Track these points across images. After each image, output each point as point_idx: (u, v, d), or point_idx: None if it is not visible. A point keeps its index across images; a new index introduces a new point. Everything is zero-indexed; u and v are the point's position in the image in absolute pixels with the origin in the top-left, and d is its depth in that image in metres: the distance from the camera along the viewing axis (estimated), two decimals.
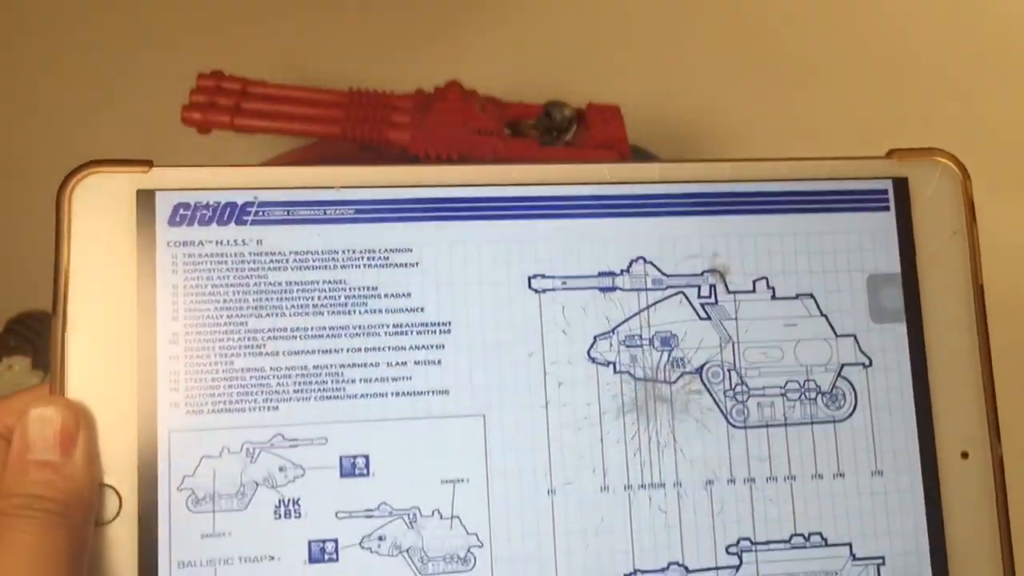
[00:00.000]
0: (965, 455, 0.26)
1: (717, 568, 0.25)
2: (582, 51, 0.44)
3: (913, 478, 0.26)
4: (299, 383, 0.24)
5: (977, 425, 0.26)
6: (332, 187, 0.25)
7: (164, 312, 0.24)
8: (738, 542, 0.25)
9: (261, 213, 0.25)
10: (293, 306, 0.25)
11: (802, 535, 0.26)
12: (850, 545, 0.26)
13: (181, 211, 0.24)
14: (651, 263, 0.26)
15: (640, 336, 0.26)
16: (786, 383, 0.26)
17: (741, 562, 0.25)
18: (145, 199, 0.24)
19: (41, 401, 0.23)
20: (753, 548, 0.25)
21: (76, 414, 0.23)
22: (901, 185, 0.27)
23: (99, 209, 0.24)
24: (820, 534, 0.26)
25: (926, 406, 0.26)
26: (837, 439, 0.26)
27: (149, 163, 0.24)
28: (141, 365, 0.24)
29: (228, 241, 0.25)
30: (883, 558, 0.26)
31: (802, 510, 0.26)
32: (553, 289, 0.26)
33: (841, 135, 0.43)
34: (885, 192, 0.27)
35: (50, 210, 0.24)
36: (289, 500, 0.24)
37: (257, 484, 0.24)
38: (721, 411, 0.26)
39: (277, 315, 0.24)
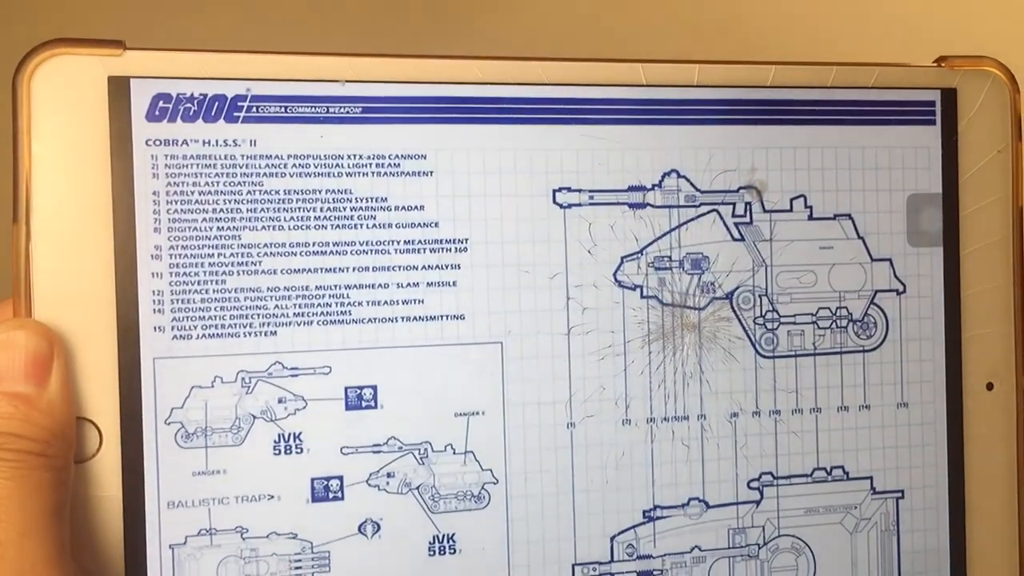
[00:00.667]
0: (990, 386, 0.36)
1: (737, 503, 0.34)
2: None
3: (937, 410, 0.36)
4: (299, 305, 0.31)
5: (1004, 356, 0.36)
6: (337, 80, 0.31)
7: (144, 223, 0.30)
8: (760, 476, 0.34)
9: (255, 109, 0.30)
10: (292, 218, 0.31)
11: (824, 469, 0.35)
12: (871, 479, 0.35)
13: (161, 104, 0.30)
14: (684, 177, 0.33)
15: (670, 258, 0.33)
16: (817, 310, 0.35)
17: (762, 497, 0.34)
18: (118, 88, 0.29)
19: (7, 325, 0.28)
20: (775, 483, 0.34)
21: (48, 338, 0.28)
22: (949, 97, 0.36)
23: (64, 99, 0.29)
24: (842, 467, 0.35)
25: (955, 335, 0.36)
26: (865, 369, 0.35)
27: (122, 44, 0.30)
28: (119, 283, 0.29)
29: (217, 141, 0.30)
30: (902, 492, 0.35)
31: (825, 444, 0.35)
32: (579, 204, 0.33)
33: (887, 42, 0.51)
34: (932, 104, 0.35)
35: (5, 99, 0.28)
36: (289, 435, 0.31)
37: (254, 417, 0.30)
38: (750, 340, 0.34)
39: (274, 228, 0.30)
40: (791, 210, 0.35)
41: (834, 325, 0.35)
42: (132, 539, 0.30)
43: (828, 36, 0.52)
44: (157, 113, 0.30)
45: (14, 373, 0.28)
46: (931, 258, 0.36)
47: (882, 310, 0.36)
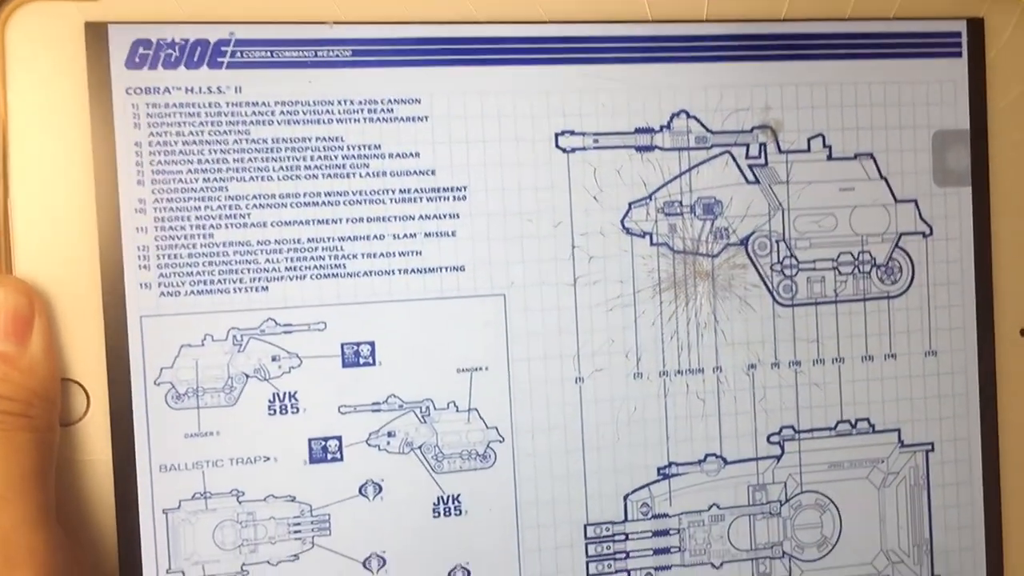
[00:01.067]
0: (1023, 332, 0.34)
1: (757, 459, 0.33)
2: None
3: (968, 358, 0.34)
4: (291, 259, 0.30)
5: None
6: (325, 22, 0.29)
7: (127, 175, 0.29)
8: (780, 431, 0.33)
9: (239, 54, 0.29)
10: (282, 168, 0.29)
11: (848, 422, 0.33)
12: (899, 431, 0.34)
13: (141, 50, 0.28)
14: (694, 118, 0.32)
15: (680, 203, 0.32)
16: (839, 255, 0.33)
17: (783, 452, 0.33)
18: (95, 34, 0.28)
19: None
20: (796, 437, 0.33)
21: (29, 295, 0.27)
22: (976, 27, 0.34)
23: (40, 47, 0.28)
24: (868, 420, 0.33)
25: (986, 279, 0.34)
26: (891, 316, 0.33)
27: None
28: (103, 239, 0.28)
29: (200, 88, 0.29)
30: (932, 444, 0.34)
31: (849, 395, 0.33)
32: (584, 148, 0.31)
33: None
34: (958, 35, 0.34)
35: None
36: (285, 394, 0.30)
37: (247, 376, 0.29)
38: (767, 287, 0.32)
39: (263, 179, 0.29)
40: (809, 150, 0.33)
41: (856, 271, 0.34)
42: (124, 504, 0.29)
43: None
44: (137, 60, 0.29)
45: None
46: (959, 198, 0.34)
47: (907, 254, 0.34)
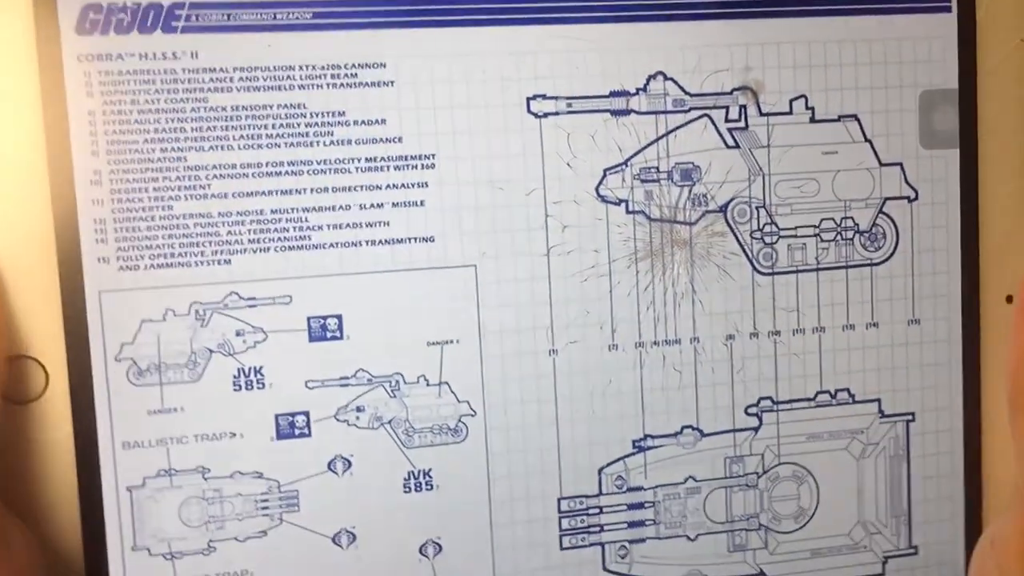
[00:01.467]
0: (1010, 299, 0.33)
1: (735, 431, 0.32)
2: None
3: (952, 326, 0.33)
4: (254, 231, 0.29)
5: None
6: None
7: (80, 146, 0.28)
8: (758, 402, 0.32)
9: (194, 17, 0.28)
10: (242, 136, 0.29)
11: (828, 392, 0.33)
12: (879, 401, 0.33)
13: (91, 15, 0.27)
14: (672, 80, 0.31)
15: (657, 169, 0.31)
16: (820, 222, 0.32)
17: (761, 423, 0.32)
18: None
19: None
20: (775, 408, 0.32)
21: None
22: None
23: None
24: (848, 390, 0.33)
25: (973, 245, 0.33)
26: (874, 284, 0.33)
27: None
28: (57, 212, 0.28)
29: (154, 54, 0.28)
30: (913, 414, 0.33)
31: (830, 365, 0.33)
32: (556, 113, 0.30)
33: None
34: None
35: None
36: (250, 369, 0.29)
37: (211, 351, 0.29)
38: (747, 255, 0.32)
39: (223, 148, 0.29)
40: (791, 112, 0.32)
41: (839, 237, 0.33)
42: (86, 482, 0.28)
43: None
44: (88, 25, 0.28)
45: None
46: (946, 161, 0.33)
47: (892, 219, 0.33)
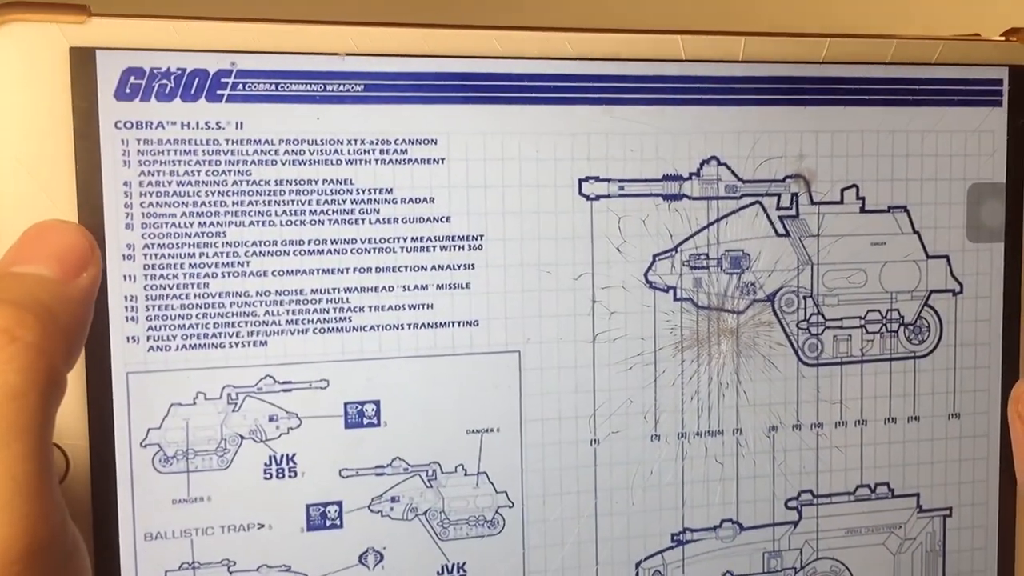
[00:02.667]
0: None
1: (774, 524, 0.31)
2: None
3: (992, 421, 0.33)
4: (293, 311, 0.27)
5: None
6: (336, 54, 0.27)
7: (114, 218, 0.26)
8: (799, 495, 0.32)
9: (241, 86, 0.27)
10: (285, 212, 0.27)
11: (868, 486, 0.32)
12: (917, 496, 0.32)
13: (132, 80, 0.26)
14: (725, 165, 0.30)
15: (707, 255, 0.30)
16: (867, 313, 0.32)
17: (800, 517, 0.32)
18: (82, 61, 0.26)
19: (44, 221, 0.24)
20: (814, 502, 0.32)
21: (89, 239, 0.24)
22: (1019, 74, 0.32)
23: (18, 73, 0.25)
24: (887, 484, 0.32)
25: (1014, 339, 0.33)
26: (916, 378, 0.32)
27: (85, 9, 0.26)
28: None
29: (197, 124, 0.26)
30: (950, 509, 0.33)
31: (870, 459, 0.32)
32: (608, 196, 0.29)
33: (951, 13, 0.47)
34: (999, 82, 0.32)
35: None
36: (282, 457, 0.28)
37: (242, 438, 0.27)
38: (792, 346, 0.31)
39: (264, 224, 0.27)
40: (842, 202, 0.31)
41: (884, 329, 0.32)
42: (105, 575, 0.27)
43: (886, 6, 0.48)
44: (128, 91, 0.26)
45: (39, 256, 0.22)
46: (991, 255, 0.33)
47: (936, 312, 0.32)
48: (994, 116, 0.32)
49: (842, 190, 0.31)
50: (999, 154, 0.32)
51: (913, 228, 0.32)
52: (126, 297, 0.26)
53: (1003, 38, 0.32)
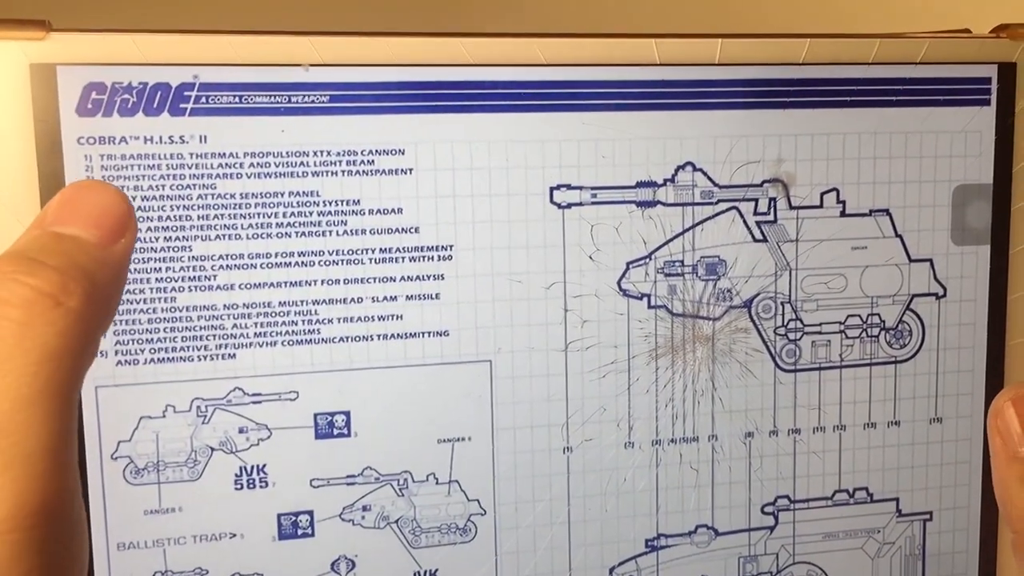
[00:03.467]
0: None
1: (750, 530, 0.31)
2: None
3: (975, 425, 0.32)
4: (261, 324, 0.27)
5: None
6: (300, 65, 0.27)
7: None
8: (775, 500, 0.32)
9: (204, 99, 0.26)
10: (251, 225, 0.27)
11: (846, 491, 0.32)
12: (897, 500, 0.32)
13: (94, 95, 0.26)
14: (701, 170, 0.30)
15: (682, 262, 0.30)
16: (846, 318, 0.31)
17: (777, 522, 0.32)
18: (42, 77, 0.26)
19: (80, 181, 0.23)
20: (791, 507, 0.32)
21: (127, 202, 0.22)
22: (1007, 72, 0.31)
23: None
24: (866, 489, 0.32)
25: (999, 343, 0.32)
26: (897, 382, 0.32)
27: (45, 25, 0.26)
28: None
29: (161, 138, 0.26)
30: (931, 513, 0.33)
31: (849, 464, 0.32)
32: (580, 203, 0.29)
33: (936, 11, 0.46)
34: (987, 81, 0.31)
35: None
36: (252, 467, 0.28)
37: (212, 449, 0.27)
38: (770, 352, 0.31)
39: (230, 237, 0.27)
40: (821, 206, 0.31)
41: (864, 334, 0.32)
42: None
43: (869, 5, 0.47)
44: (90, 106, 0.26)
45: (78, 218, 0.21)
46: (976, 258, 0.32)
47: (918, 316, 0.32)
48: (982, 116, 0.32)
49: (822, 194, 0.31)
50: (986, 155, 0.32)
51: (895, 231, 0.31)
52: None
53: (991, 35, 0.32)
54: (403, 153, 0.28)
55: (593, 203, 0.29)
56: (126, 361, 0.27)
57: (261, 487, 0.28)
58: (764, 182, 0.30)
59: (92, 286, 0.20)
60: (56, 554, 0.19)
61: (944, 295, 0.32)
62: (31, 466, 0.19)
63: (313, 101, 0.27)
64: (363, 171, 0.28)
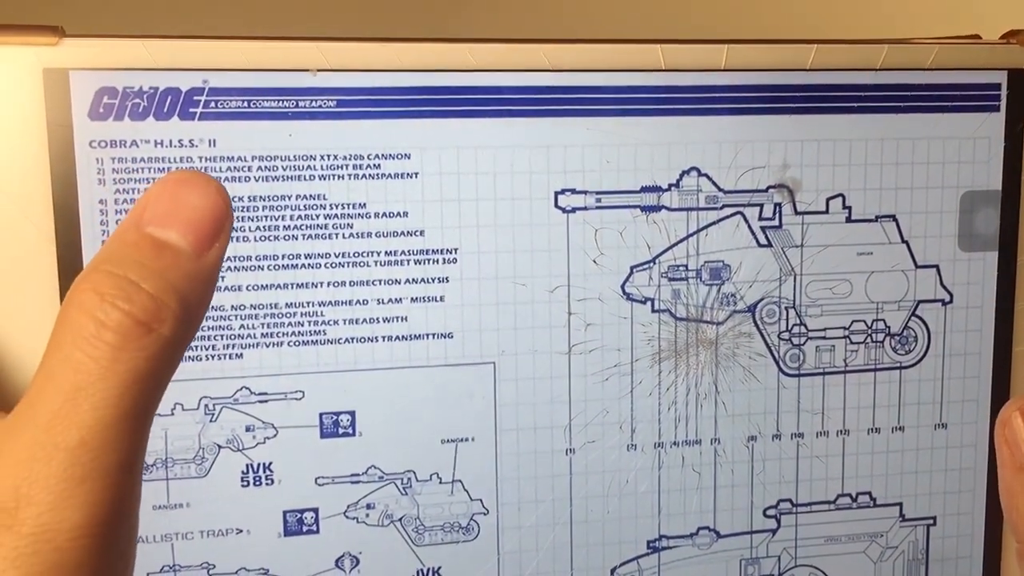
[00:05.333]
0: None
1: (752, 532, 0.32)
2: None
3: (980, 431, 0.33)
4: (268, 325, 0.28)
5: None
6: (308, 70, 0.27)
7: (90, 235, 0.27)
8: (777, 504, 0.32)
9: (213, 104, 0.27)
10: (258, 228, 0.28)
11: (849, 495, 0.32)
12: (900, 505, 0.32)
13: (106, 99, 0.26)
14: (706, 176, 0.30)
15: (686, 267, 0.30)
16: (851, 323, 0.31)
17: (779, 525, 0.32)
18: (55, 82, 0.26)
19: (184, 171, 0.22)
20: (793, 510, 0.32)
21: (228, 204, 0.22)
22: (1017, 78, 0.31)
23: None
24: (869, 493, 0.32)
25: (1005, 349, 0.32)
26: (902, 388, 0.32)
27: (58, 31, 0.26)
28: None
29: (171, 142, 0.27)
30: (934, 519, 0.33)
31: (852, 468, 0.32)
32: (585, 208, 0.29)
33: (945, 17, 0.46)
34: (997, 87, 0.31)
35: None
36: (259, 465, 0.28)
37: (219, 447, 0.28)
38: (773, 356, 0.31)
39: (238, 239, 0.28)
40: (827, 211, 0.31)
41: (869, 340, 0.32)
42: None
43: (877, 10, 0.47)
44: (101, 110, 0.26)
45: (177, 219, 0.21)
46: (983, 264, 0.32)
47: (924, 323, 0.32)
48: (991, 122, 0.32)
49: (827, 200, 0.31)
50: (995, 161, 0.32)
51: (902, 237, 0.32)
52: None
53: (1002, 41, 0.32)
54: (409, 157, 0.28)
55: (597, 208, 0.30)
56: None
57: (267, 484, 0.29)
58: (769, 187, 0.31)
59: (183, 309, 0.21)
60: (116, 560, 0.20)
61: (950, 301, 0.32)
62: (107, 479, 0.20)
63: (320, 106, 0.28)
64: (369, 175, 0.28)
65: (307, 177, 0.28)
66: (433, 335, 0.29)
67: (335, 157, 0.28)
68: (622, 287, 0.30)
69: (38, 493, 0.19)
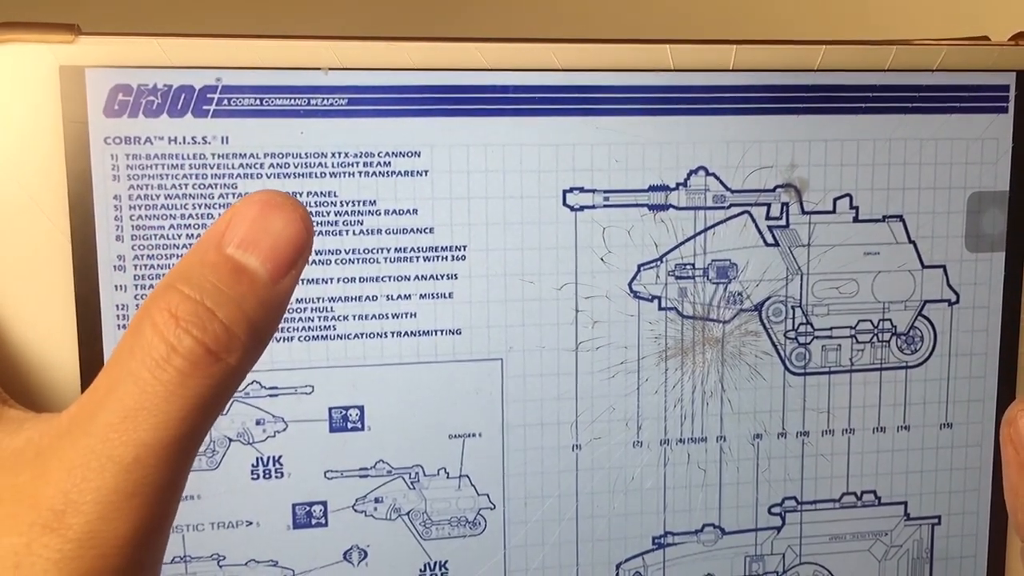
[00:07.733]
0: None
1: (756, 530, 0.32)
2: None
3: (985, 431, 0.33)
4: None
5: None
6: (319, 68, 0.28)
7: (105, 231, 0.27)
8: (782, 502, 0.32)
9: (226, 101, 0.27)
10: None
11: (854, 494, 0.32)
12: (905, 504, 0.33)
13: (120, 96, 0.27)
14: (714, 175, 0.30)
15: (693, 265, 0.30)
16: (857, 323, 0.32)
17: (784, 523, 0.32)
18: (71, 79, 0.27)
19: (269, 192, 0.22)
20: (798, 508, 0.32)
21: (310, 230, 0.22)
22: None
23: (10, 92, 0.27)
24: (874, 492, 0.33)
25: (1011, 350, 0.33)
26: (907, 387, 0.32)
27: (74, 28, 0.27)
28: (80, 297, 0.27)
29: (184, 138, 0.27)
30: (939, 518, 0.33)
31: (857, 467, 0.32)
32: (593, 206, 0.30)
33: (953, 18, 0.46)
34: (1006, 88, 0.31)
35: None
36: (269, 458, 0.29)
37: (230, 440, 0.29)
38: (779, 355, 0.31)
39: None
40: (834, 211, 0.31)
41: (875, 339, 0.32)
42: None
43: (885, 11, 0.47)
44: (116, 107, 0.27)
45: (260, 245, 0.21)
46: (990, 264, 0.32)
47: (930, 322, 0.32)
48: (999, 123, 0.32)
49: (835, 199, 0.31)
50: (1003, 162, 0.32)
51: (909, 237, 0.32)
52: (117, 306, 0.28)
53: (1010, 42, 0.32)
54: (419, 155, 0.29)
55: (605, 206, 0.30)
56: None
57: (277, 477, 0.29)
58: (777, 187, 0.31)
59: (252, 340, 0.21)
60: (150, 569, 0.22)
61: (957, 301, 0.32)
62: (155, 496, 0.21)
63: (332, 104, 0.28)
64: (379, 172, 0.29)
65: (318, 174, 0.28)
66: (441, 331, 0.30)
67: (346, 155, 0.28)
68: (629, 285, 0.30)
69: (87, 502, 0.20)
